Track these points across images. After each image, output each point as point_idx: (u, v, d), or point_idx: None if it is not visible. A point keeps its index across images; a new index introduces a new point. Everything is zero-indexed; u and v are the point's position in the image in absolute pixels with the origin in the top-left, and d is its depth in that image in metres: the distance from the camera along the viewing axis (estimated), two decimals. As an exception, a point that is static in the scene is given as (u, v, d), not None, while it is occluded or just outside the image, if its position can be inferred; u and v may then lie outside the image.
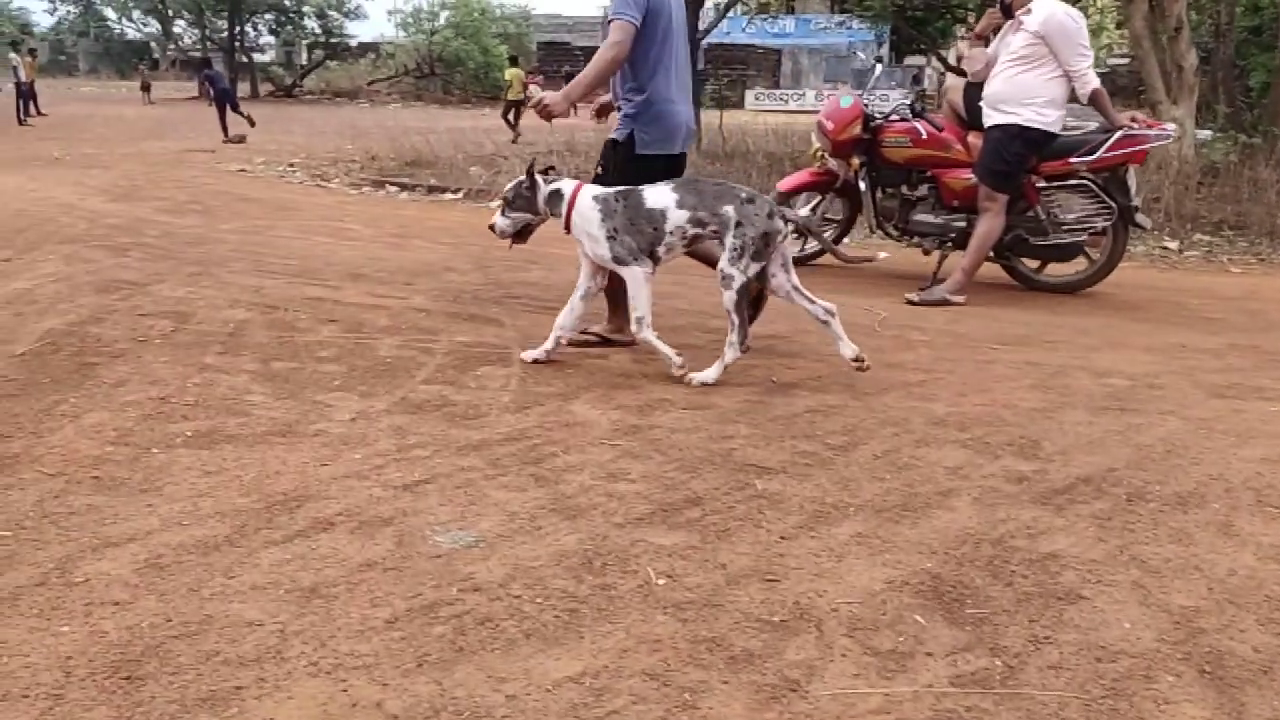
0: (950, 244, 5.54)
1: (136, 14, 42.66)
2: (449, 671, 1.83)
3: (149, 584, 2.10)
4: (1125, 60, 20.34)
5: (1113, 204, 5.24)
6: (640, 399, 3.43)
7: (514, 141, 15.55)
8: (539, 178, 3.71)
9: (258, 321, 4.22)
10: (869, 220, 5.87)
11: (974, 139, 5.38)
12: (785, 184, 6.11)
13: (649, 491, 2.66)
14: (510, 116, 18.47)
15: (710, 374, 3.59)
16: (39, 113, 22.10)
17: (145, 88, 31.78)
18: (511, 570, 2.21)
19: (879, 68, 5.89)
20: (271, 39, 43.43)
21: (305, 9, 39.54)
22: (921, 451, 2.99)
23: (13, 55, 23.03)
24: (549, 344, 3.76)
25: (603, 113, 4.25)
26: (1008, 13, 5.11)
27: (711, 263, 4.02)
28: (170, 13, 40.61)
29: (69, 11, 46.50)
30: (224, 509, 2.46)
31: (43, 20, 53.52)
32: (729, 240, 3.49)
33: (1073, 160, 5.18)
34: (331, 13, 39.83)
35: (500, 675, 1.83)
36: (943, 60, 19.75)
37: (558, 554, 2.30)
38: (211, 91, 19.08)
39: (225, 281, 4.97)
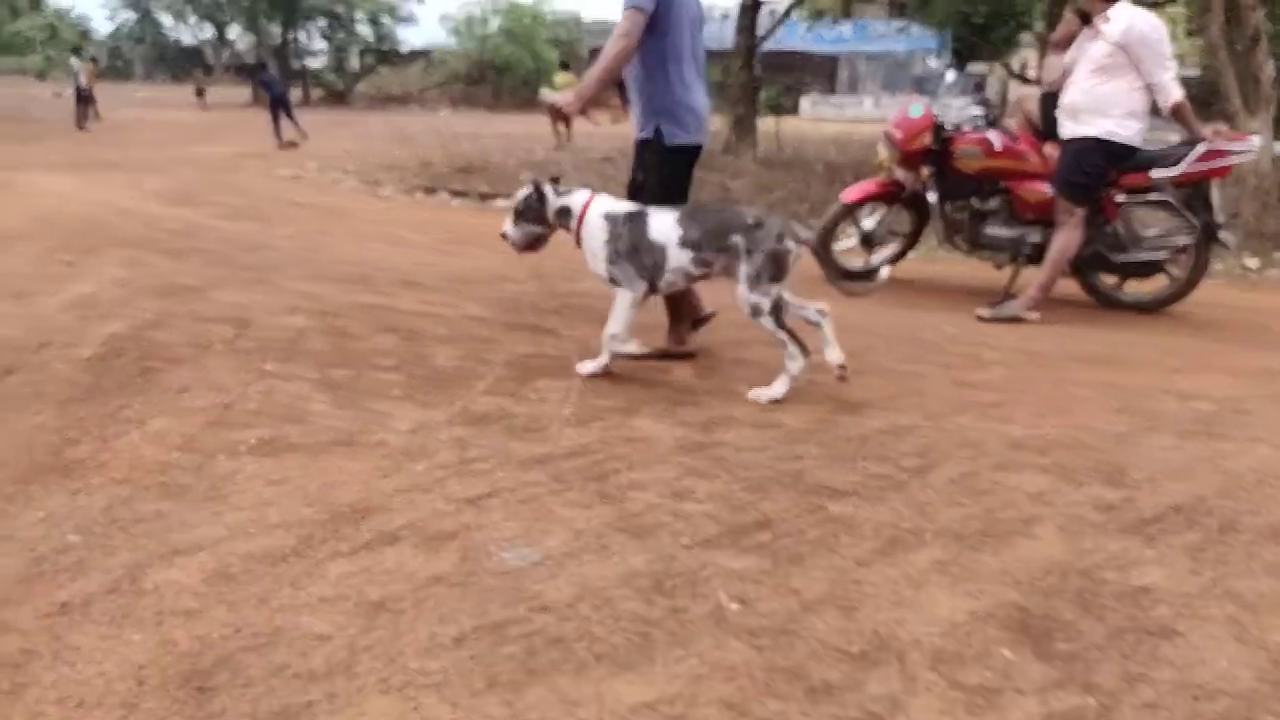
0: (1023, 258, 5.39)
1: (192, 20, 43.56)
2: (520, 693, 1.78)
3: (218, 594, 2.08)
4: (1196, 71, 19.81)
5: (1195, 220, 5.06)
6: (703, 415, 3.36)
7: (556, 148, 15.52)
8: (548, 190, 3.68)
9: (315, 328, 4.22)
10: (937, 233, 5.74)
11: (1050, 150, 5.23)
12: (850, 195, 5.99)
13: (717, 512, 2.59)
14: (560, 123, 18.49)
15: (777, 390, 3.52)
16: (97, 117, 22.65)
17: (200, 93, 32.44)
18: (580, 590, 2.16)
19: (949, 75, 5.76)
20: (324, 45, 44.07)
21: (358, 15, 40.10)
22: (1000, 476, 2.88)
23: (74, 61, 23.62)
24: (605, 357, 3.72)
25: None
26: (1086, 21, 4.97)
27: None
28: (224, 19, 41.41)
29: (127, 18, 47.65)
30: (289, 519, 2.44)
31: (101, 27, 55.00)
32: (742, 270, 3.45)
33: (1155, 174, 5.02)
34: (384, 19, 40.37)
35: (573, 699, 1.77)
36: (1006, 67, 19.47)
37: (626, 574, 2.24)
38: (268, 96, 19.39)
39: (282, 287, 4.99)
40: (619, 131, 13.43)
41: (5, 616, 1.99)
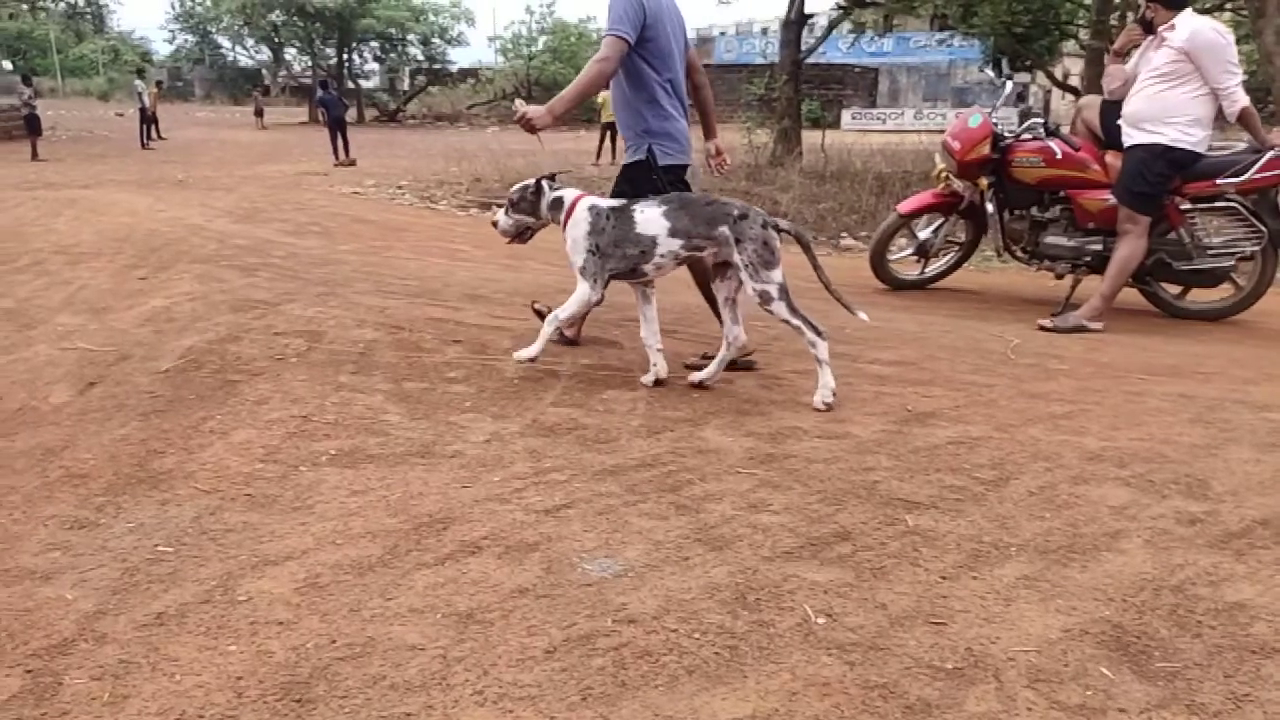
0: (1084, 267, 5.32)
1: (249, 42, 44.60)
2: (614, 706, 1.78)
3: (310, 604, 2.11)
4: (1244, 77, 19.28)
5: (1262, 228, 4.96)
6: (771, 426, 3.35)
7: (594, 164, 15.58)
8: (545, 184, 3.82)
9: (385, 341, 4.28)
10: (996, 243, 5.69)
11: (1111, 159, 5.17)
12: (906, 206, 5.97)
13: (794, 524, 2.57)
14: (607, 139, 18.52)
15: (827, 388, 3.55)
16: (159, 136, 23.29)
17: (259, 113, 33.19)
18: (664, 602, 2.16)
19: (1009, 85, 5.71)
20: (376, 66, 44.89)
21: (410, 37, 40.78)
22: (1081, 489, 2.83)
23: (138, 83, 24.32)
24: (654, 362, 3.78)
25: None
26: (1149, 28, 4.90)
27: (699, 274, 4.01)
28: (281, 41, 42.32)
29: (186, 40, 48.91)
30: (374, 529, 2.47)
31: (161, 49, 56.53)
32: (738, 258, 3.50)
33: (1220, 181, 4.93)
34: (435, 40, 41.01)
35: (667, 714, 1.76)
36: (1050, 76, 19.23)
37: (709, 587, 2.23)
38: (322, 117, 19.77)
39: (351, 302, 5.07)
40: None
41: (103, 627, 2.03)
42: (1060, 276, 5.47)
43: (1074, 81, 18.42)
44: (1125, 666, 1.94)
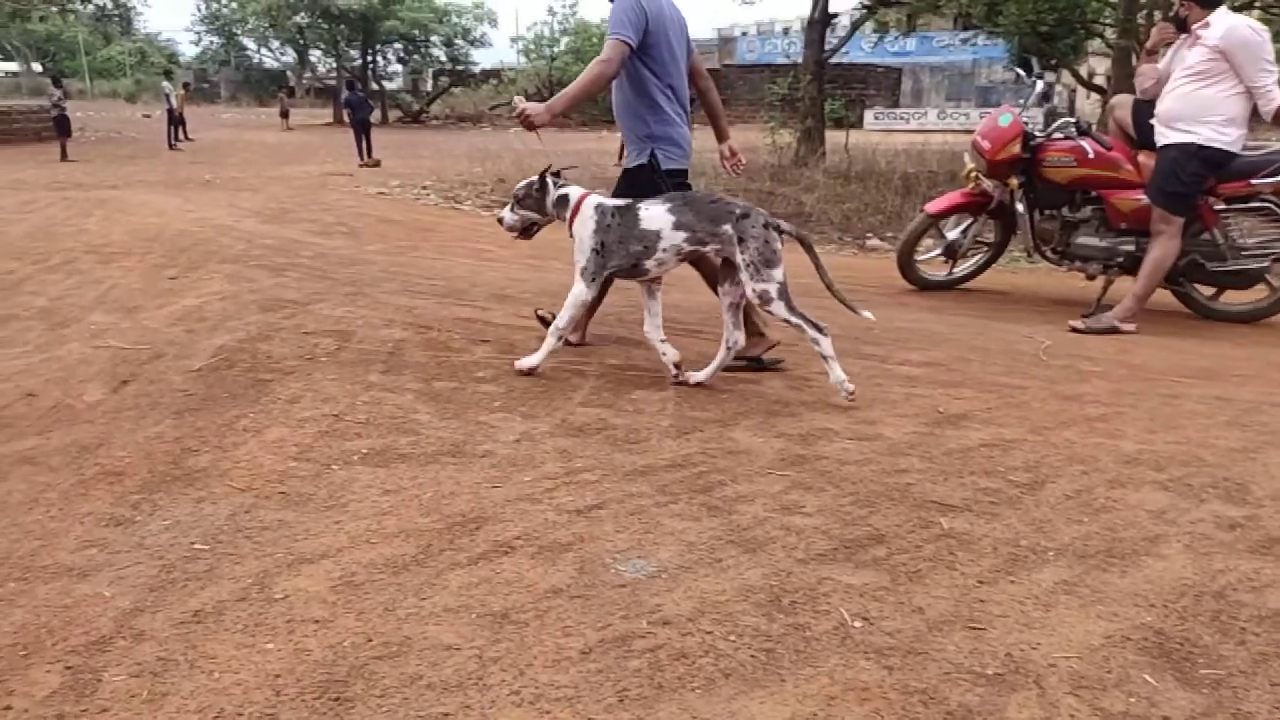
0: (1116, 268, 5.27)
1: (275, 44, 44.93)
2: (651, 709, 1.77)
3: (346, 602, 2.11)
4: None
5: (1299, 228, 4.89)
6: (801, 427, 3.34)
7: (617, 164, 15.59)
8: (550, 181, 3.81)
9: (414, 341, 4.30)
10: (1026, 243, 5.64)
11: (1144, 158, 5.11)
12: (934, 206, 5.93)
13: (827, 526, 2.56)
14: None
15: (840, 380, 3.55)
16: (187, 137, 23.52)
17: (284, 114, 33.44)
18: (699, 604, 2.15)
19: (1039, 84, 5.65)
20: (400, 67, 45.12)
21: (433, 38, 40.95)
22: (1118, 493, 2.80)
23: (165, 84, 24.55)
24: (662, 353, 3.80)
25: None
26: (1182, 27, 4.84)
27: (709, 275, 4.02)
28: (306, 43, 42.59)
29: (212, 42, 49.34)
30: (407, 528, 2.48)
31: (187, 50, 57.12)
32: (740, 259, 3.51)
33: (1255, 181, 4.86)
34: (458, 41, 41.16)
35: (704, 717, 1.75)
36: (1076, 75, 19.07)
37: (743, 589, 2.22)
38: (348, 117, 19.88)
39: (380, 301, 5.09)
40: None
41: (141, 624, 2.04)
42: (1092, 277, 5.41)
43: (1099, 80, 18.26)
44: (1168, 674, 1.91)
